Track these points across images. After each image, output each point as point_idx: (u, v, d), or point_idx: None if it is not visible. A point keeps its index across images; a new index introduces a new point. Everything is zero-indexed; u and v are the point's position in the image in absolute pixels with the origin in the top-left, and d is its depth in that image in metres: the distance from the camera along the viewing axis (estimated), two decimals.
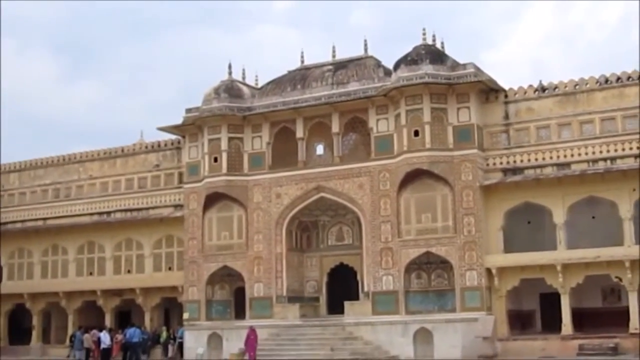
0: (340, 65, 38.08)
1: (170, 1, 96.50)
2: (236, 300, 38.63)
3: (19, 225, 46.62)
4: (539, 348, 32.22)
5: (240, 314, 37.89)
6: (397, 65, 35.19)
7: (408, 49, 35.39)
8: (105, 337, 36.14)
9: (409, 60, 34.80)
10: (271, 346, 34.23)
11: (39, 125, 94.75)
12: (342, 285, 37.12)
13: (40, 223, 45.90)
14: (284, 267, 37.11)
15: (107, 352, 35.96)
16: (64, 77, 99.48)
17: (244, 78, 39.98)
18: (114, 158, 44.56)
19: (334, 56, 38.90)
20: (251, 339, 32.31)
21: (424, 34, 35.56)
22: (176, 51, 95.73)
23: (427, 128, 33.88)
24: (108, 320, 42.47)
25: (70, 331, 42.51)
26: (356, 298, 35.88)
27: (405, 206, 34.49)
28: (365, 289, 35.30)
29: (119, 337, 38.40)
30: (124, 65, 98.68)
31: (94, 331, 37.74)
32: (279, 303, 36.71)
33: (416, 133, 34.06)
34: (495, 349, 32.59)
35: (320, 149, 38.34)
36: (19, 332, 46.18)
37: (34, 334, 45.30)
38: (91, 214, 44.32)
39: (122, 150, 44.51)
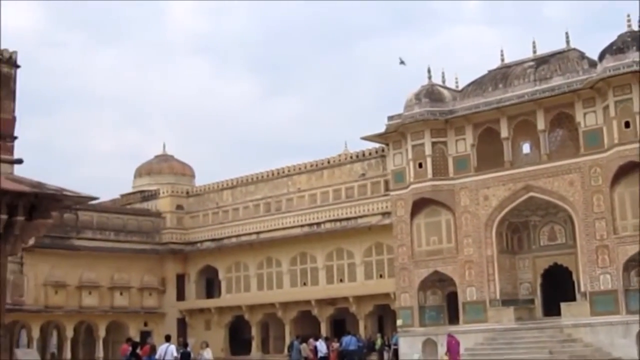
0: (541, 61, 37.10)
1: (363, 10, 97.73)
2: (449, 305, 38.22)
3: (234, 240, 48.36)
4: None
5: (453, 318, 37.48)
6: (602, 56, 33.87)
7: (612, 38, 34.04)
8: (321, 346, 36.62)
9: (615, 49, 33.39)
10: (487, 350, 33.73)
11: (245, 142, 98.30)
12: (557, 286, 35.96)
13: (254, 237, 47.43)
14: (495, 270, 36.40)
15: None
16: (265, 94, 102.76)
17: (443, 81, 39.71)
18: (320, 170, 45.43)
19: (534, 51, 37.93)
20: (453, 345, 31.69)
21: (629, 21, 34.05)
22: (373, 59, 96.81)
23: (638, 118, 32.36)
24: (323, 329, 43.22)
25: (287, 341, 43.47)
26: (572, 299, 34.69)
27: (620, 201, 33.08)
28: (582, 289, 34.07)
29: (335, 345, 38.84)
30: (322, 78, 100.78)
31: (311, 340, 38.37)
32: (492, 307, 36.04)
33: (627, 124, 32.62)
34: None
35: (526, 148, 37.38)
36: (239, 342, 47.84)
37: (254, 344, 46.79)
38: (302, 226, 45.31)
39: (328, 162, 45.31)
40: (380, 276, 42.29)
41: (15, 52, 22.29)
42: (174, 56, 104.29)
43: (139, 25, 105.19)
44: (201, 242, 50.21)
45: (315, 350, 36.88)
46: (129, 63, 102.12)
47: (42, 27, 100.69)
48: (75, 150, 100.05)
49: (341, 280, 43.83)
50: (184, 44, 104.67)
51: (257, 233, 47.36)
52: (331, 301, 43.62)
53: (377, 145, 42.35)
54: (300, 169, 46.51)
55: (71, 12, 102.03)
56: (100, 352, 46.36)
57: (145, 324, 48.35)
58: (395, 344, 38.37)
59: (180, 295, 50.33)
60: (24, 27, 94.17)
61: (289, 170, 47.00)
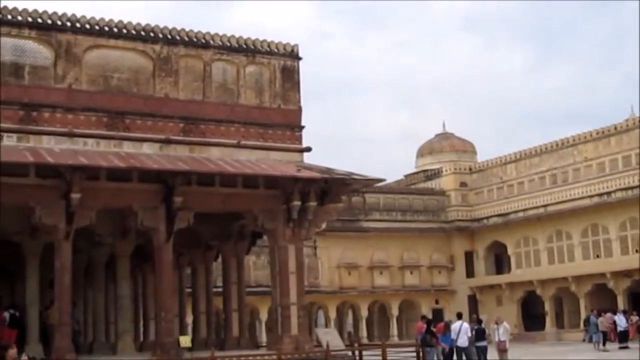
0: None
1: None
2: None
3: (520, 214, 47.62)
4: None
5: None
6: None
7: None
8: (620, 320, 35.27)
9: None
10: None
11: (523, 114, 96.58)
12: None
13: (541, 210, 46.46)
14: None
15: (623, 334, 35.08)
16: (538, 63, 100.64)
17: None
18: (607, 137, 43.69)
19: None
20: None
21: None
22: None
23: None
24: (620, 302, 41.53)
25: (582, 315, 42.28)
26: None
27: None
28: None
29: (635, 319, 37.31)
30: (596, 40, 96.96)
31: (609, 314, 37.03)
32: None
33: None
34: None
35: None
36: (532, 317, 47.13)
37: (547, 319, 45.87)
38: (591, 196, 43.78)
39: (615, 128, 43.48)
40: None
41: (296, 45, 23.20)
42: (441, 35, 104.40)
43: (404, 8, 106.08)
44: (487, 218, 49.90)
45: (614, 324, 35.61)
46: (396, 45, 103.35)
47: (312, 20, 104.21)
48: (352, 135, 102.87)
49: (637, 251, 41.87)
50: (451, 22, 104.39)
51: (545, 206, 46.33)
52: (627, 273, 41.78)
53: None
54: (585, 137, 44.96)
55: (336, 3, 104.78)
56: (394, 330, 47.44)
57: (437, 302, 48.89)
58: None
59: (470, 272, 50.34)
60: (295, 22, 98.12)
61: (573, 140, 45.60)
